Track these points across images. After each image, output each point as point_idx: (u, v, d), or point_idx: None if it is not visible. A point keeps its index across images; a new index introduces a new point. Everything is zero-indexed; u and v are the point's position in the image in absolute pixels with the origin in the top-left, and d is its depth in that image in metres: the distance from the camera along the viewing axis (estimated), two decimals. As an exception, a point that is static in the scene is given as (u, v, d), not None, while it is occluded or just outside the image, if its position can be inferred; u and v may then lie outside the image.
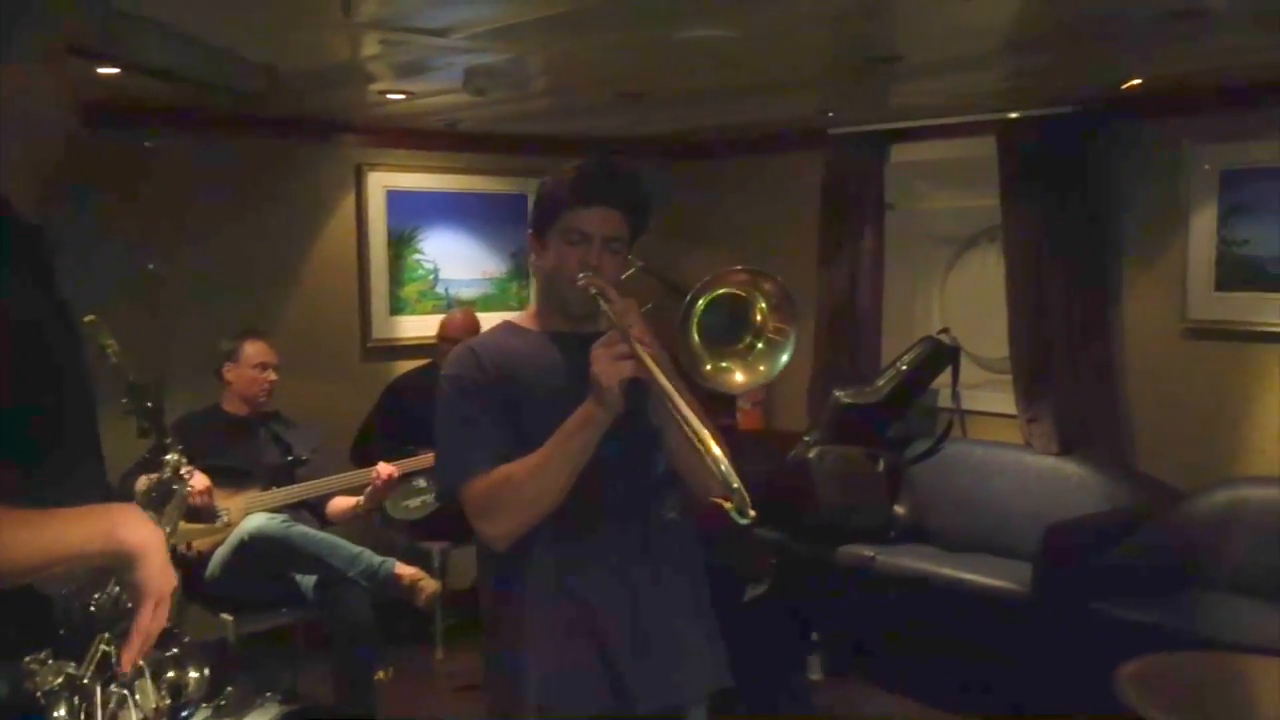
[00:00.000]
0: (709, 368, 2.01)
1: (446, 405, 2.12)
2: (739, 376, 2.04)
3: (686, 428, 1.81)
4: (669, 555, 2.13)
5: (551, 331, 2.17)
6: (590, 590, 2.07)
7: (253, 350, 4.33)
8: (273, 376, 4.35)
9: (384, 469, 4.25)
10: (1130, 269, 4.80)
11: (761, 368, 2.03)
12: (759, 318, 2.03)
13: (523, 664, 2.07)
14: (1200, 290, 4.54)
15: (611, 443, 1.99)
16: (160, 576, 1.36)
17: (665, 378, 1.87)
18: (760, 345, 2.03)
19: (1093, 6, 3.18)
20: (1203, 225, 4.51)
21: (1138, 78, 4.19)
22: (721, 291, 2.01)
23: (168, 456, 2.31)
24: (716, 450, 1.77)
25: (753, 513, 1.71)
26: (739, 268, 2.02)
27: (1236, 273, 4.43)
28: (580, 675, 2.06)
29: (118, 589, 1.41)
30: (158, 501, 2.11)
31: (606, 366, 1.90)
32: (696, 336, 2.00)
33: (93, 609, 1.42)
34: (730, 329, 2.03)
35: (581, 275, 2.05)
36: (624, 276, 2.14)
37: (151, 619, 1.36)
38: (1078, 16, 3.29)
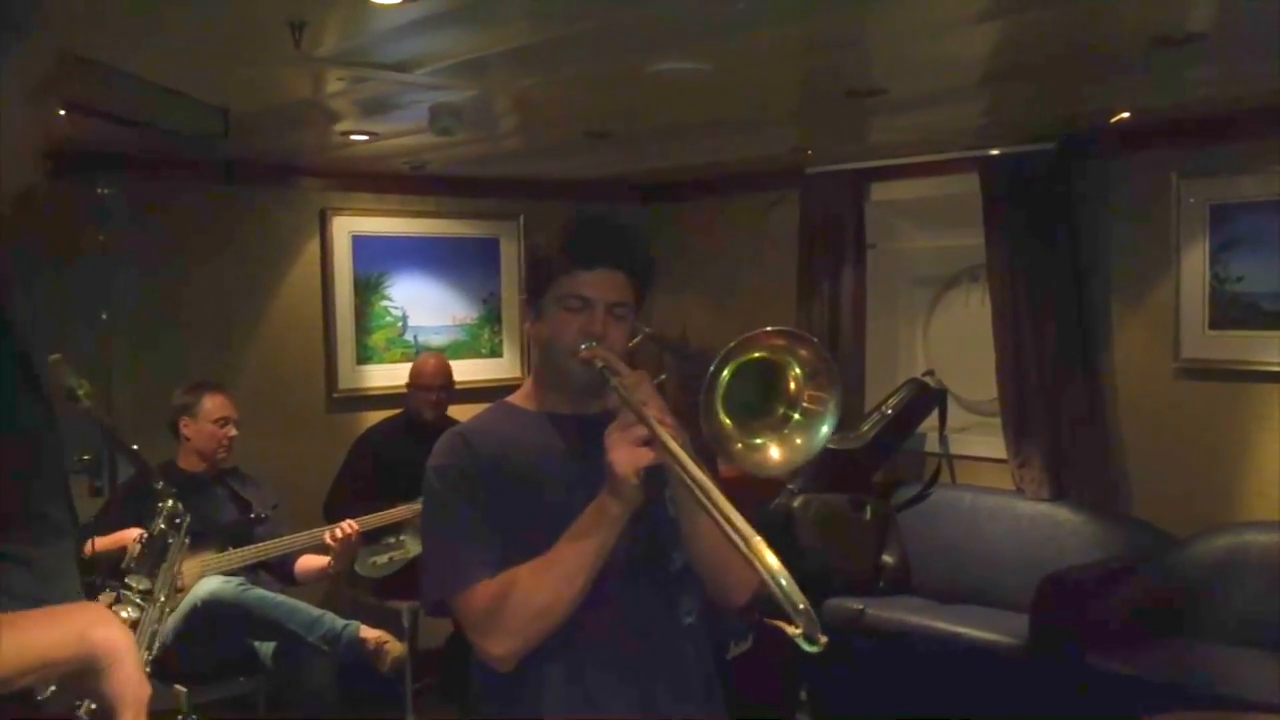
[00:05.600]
0: (740, 446, 1.74)
1: (435, 501, 1.86)
2: (774, 453, 1.76)
3: (727, 525, 1.53)
4: (687, 665, 1.89)
5: (550, 413, 1.91)
6: (605, 705, 1.81)
7: (212, 404, 4.14)
8: (233, 432, 4.18)
9: (343, 527, 4.06)
10: (1120, 307, 4.67)
11: (799, 441, 1.76)
12: (792, 386, 1.77)
13: None
14: (1193, 329, 4.41)
15: (623, 537, 1.75)
16: (136, 684, 1.16)
17: (693, 464, 1.61)
18: (796, 416, 1.77)
19: (1077, 34, 3.06)
20: (1194, 262, 4.39)
21: (1123, 110, 4.08)
22: (749, 357, 1.74)
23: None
24: (772, 560, 1.47)
25: (823, 639, 1.44)
26: (769, 329, 1.75)
27: (1231, 310, 4.31)
28: None
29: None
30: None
31: (624, 454, 1.66)
32: (723, 411, 1.73)
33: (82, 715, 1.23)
34: (760, 400, 1.77)
35: (584, 346, 1.80)
36: (631, 345, 1.90)
37: None
38: (1061, 46, 3.18)
